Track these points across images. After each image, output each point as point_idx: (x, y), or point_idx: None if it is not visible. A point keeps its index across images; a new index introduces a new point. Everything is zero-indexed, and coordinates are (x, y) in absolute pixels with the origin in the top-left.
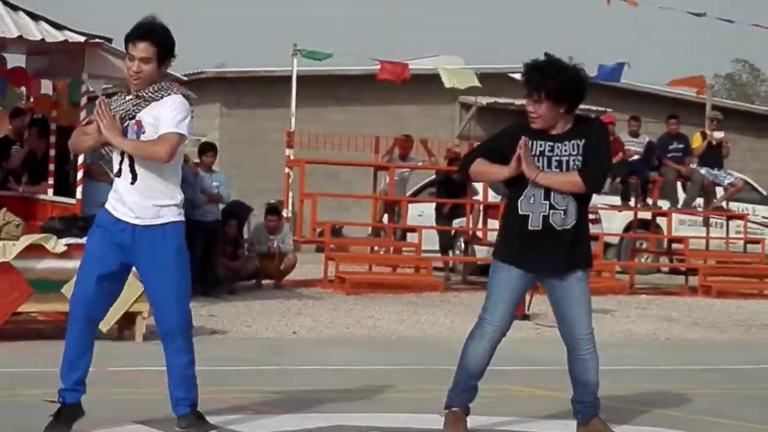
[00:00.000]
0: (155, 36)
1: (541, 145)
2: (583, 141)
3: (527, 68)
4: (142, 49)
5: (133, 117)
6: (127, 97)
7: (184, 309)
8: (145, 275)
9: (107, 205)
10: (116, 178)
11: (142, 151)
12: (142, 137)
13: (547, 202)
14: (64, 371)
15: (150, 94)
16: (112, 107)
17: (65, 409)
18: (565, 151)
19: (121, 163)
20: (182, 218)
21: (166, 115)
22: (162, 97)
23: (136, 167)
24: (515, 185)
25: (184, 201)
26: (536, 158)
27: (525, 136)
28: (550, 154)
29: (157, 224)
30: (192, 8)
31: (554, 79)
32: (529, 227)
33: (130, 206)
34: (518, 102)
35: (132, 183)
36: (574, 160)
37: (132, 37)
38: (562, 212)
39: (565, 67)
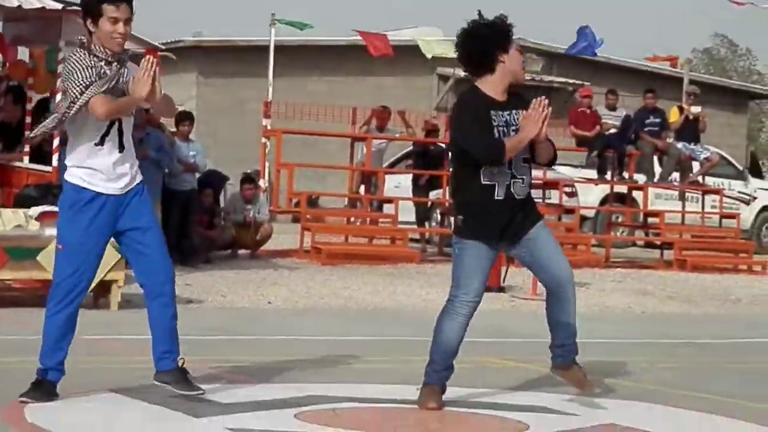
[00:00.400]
0: None
1: (502, 116)
2: (525, 112)
3: (509, 24)
4: (125, 10)
5: (115, 88)
6: (106, 66)
7: (169, 258)
8: (132, 234)
9: (78, 181)
10: (92, 149)
11: (169, 104)
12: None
13: (510, 172)
14: (46, 352)
15: (126, 57)
16: (111, 79)
17: (46, 383)
18: (517, 119)
19: (106, 134)
20: None
21: None
22: (128, 60)
23: (124, 137)
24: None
25: (163, 169)
26: (502, 129)
27: (486, 108)
28: (510, 124)
29: (136, 185)
30: None
31: None
32: (495, 197)
33: (114, 177)
34: None
35: (120, 152)
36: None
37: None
38: (521, 181)
39: None
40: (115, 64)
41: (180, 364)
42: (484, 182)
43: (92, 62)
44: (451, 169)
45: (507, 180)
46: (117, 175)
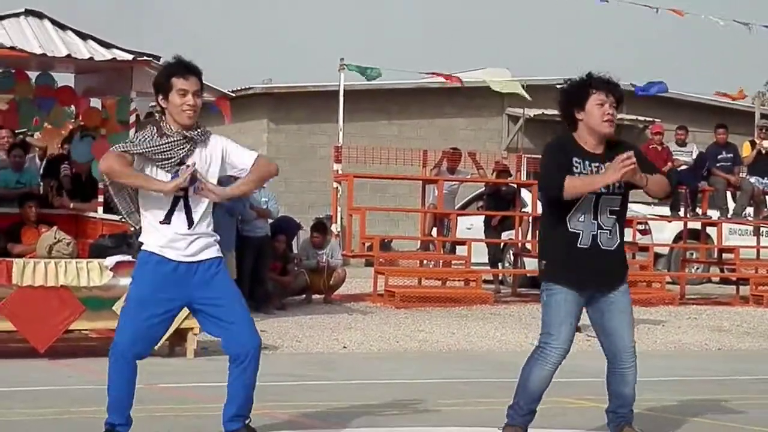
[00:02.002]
0: (199, 71)
1: (590, 165)
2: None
3: (605, 78)
4: (195, 82)
5: (183, 162)
6: (168, 140)
7: (255, 328)
8: (212, 306)
9: (154, 248)
10: (161, 225)
11: (259, 180)
12: (198, 184)
13: (596, 222)
14: (113, 407)
15: (197, 136)
16: (157, 151)
17: None
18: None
19: (172, 211)
20: None
21: (233, 150)
22: (206, 140)
23: (193, 213)
24: (563, 203)
25: (236, 216)
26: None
27: (573, 155)
28: (595, 173)
29: (212, 257)
30: (239, 25)
31: (623, 95)
32: (579, 245)
33: (183, 248)
34: None
35: (189, 228)
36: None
37: (181, 72)
38: (608, 232)
39: None
40: (166, 139)
41: (247, 423)
42: (570, 230)
43: (153, 137)
44: (540, 215)
45: (593, 230)
46: (183, 247)
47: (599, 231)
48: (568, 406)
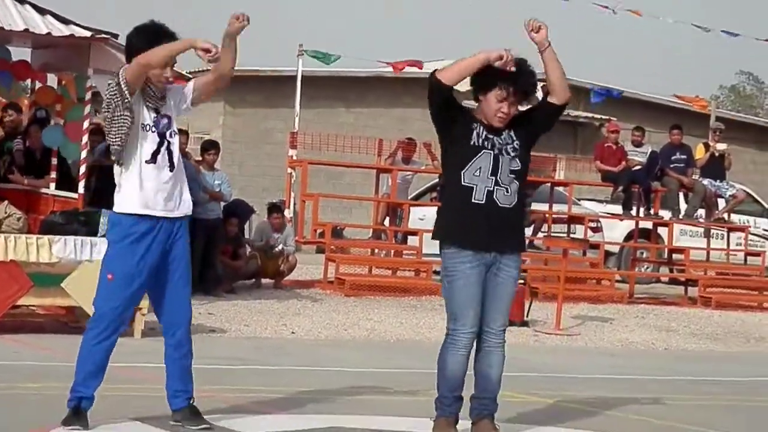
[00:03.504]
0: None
1: (487, 133)
2: (513, 132)
3: (524, 72)
4: None
5: (164, 97)
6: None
7: (189, 298)
8: (165, 270)
9: (132, 207)
10: (145, 166)
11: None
12: (172, 129)
13: (494, 178)
14: (83, 381)
15: (163, 93)
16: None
17: (83, 412)
18: (504, 140)
19: (157, 151)
20: None
21: (180, 89)
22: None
23: (174, 155)
24: (458, 156)
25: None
26: (483, 141)
27: (474, 121)
28: (493, 141)
29: (186, 215)
30: (195, 6)
31: (535, 85)
32: (473, 200)
33: (166, 195)
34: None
35: (171, 170)
36: (511, 148)
37: (168, 40)
38: (506, 190)
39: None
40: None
41: (191, 402)
42: (464, 183)
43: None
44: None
45: (489, 185)
46: (169, 195)
47: (496, 188)
48: (512, 400)
